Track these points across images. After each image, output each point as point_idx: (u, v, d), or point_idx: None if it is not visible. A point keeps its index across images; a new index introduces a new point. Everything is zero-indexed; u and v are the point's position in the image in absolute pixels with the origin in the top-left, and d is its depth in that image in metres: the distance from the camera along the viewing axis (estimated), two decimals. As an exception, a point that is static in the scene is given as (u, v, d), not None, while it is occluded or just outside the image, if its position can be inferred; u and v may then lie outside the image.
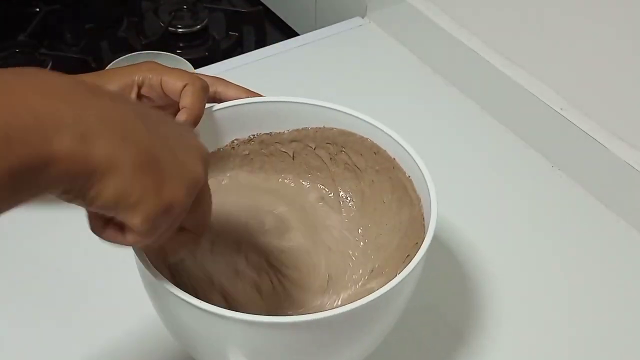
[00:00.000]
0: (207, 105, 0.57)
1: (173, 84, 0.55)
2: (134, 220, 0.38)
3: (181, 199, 0.39)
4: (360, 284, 0.59)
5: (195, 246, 0.47)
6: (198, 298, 0.45)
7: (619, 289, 0.68)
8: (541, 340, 0.64)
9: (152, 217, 0.38)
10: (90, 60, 0.99)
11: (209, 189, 0.45)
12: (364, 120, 0.59)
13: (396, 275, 0.48)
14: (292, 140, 0.62)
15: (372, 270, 0.60)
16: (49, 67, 0.94)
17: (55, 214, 0.67)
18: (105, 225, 0.40)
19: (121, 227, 0.40)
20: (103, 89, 0.40)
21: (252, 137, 0.62)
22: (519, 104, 0.81)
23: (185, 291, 0.46)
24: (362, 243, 0.62)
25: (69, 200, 0.37)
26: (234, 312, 0.45)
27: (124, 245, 0.41)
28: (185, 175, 0.40)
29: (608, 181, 0.75)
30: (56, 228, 0.69)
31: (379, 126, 0.59)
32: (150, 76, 0.56)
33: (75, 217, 0.65)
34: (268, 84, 0.88)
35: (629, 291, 0.68)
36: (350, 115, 0.60)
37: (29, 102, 0.35)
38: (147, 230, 0.39)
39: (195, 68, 0.72)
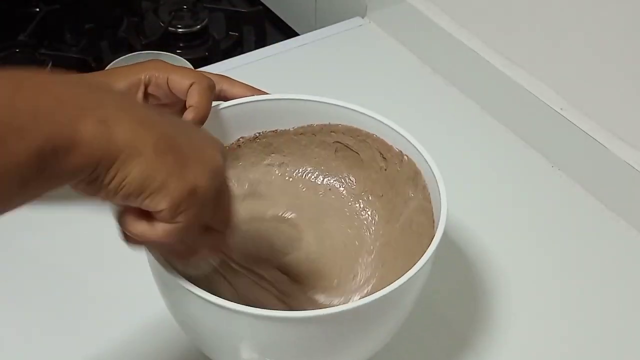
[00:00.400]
0: (213, 103, 0.57)
1: (179, 82, 0.55)
2: (161, 204, 0.38)
3: (205, 183, 0.39)
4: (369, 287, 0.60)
5: (222, 245, 0.47)
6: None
7: (619, 289, 0.68)
8: (540, 340, 0.64)
9: (177, 200, 0.38)
10: (90, 60, 0.99)
11: (229, 185, 0.45)
12: (370, 116, 0.60)
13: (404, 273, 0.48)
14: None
15: (377, 274, 0.60)
16: (49, 67, 0.94)
17: (61, 215, 0.67)
18: (136, 219, 0.40)
19: (149, 220, 0.40)
20: (111, 86, 0.40)
21: (257, 135, 0.62)
22: (519, 104, 0.81)
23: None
24: (372, 240, 0.62)
25: (93, 193, 0.37)
26: (245, 306, 0.45)
27: (151, 242, 0.41)
28: (207, 160, 0.40)
29: (608, 181, 0.75)
30: (62, 228, 0.69)
31: (385, 122, 0.59)
32: (157, 75, 0.56)
33: (81, 219, 0.65)
34: (268, 84, 0.88)
35: (629, 291, 0.68)
36: (356, 111, 0.60)
37: (53, 89, 0.35)
38: (173, 215, 0.39)
39: (195, 68, 0.72)
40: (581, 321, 0.66)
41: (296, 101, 0.61)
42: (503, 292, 0.67)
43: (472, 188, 0.77)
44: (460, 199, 0.75)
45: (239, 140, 0.62)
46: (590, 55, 0.73)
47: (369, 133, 0.60)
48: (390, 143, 0.60)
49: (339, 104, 0.60)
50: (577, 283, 0.69)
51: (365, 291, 0.59)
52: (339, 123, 0.61)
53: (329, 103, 0.60)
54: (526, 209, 0.75)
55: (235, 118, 0.60)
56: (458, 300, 0.67)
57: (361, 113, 0.60)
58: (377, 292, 0.46)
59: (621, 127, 0.73)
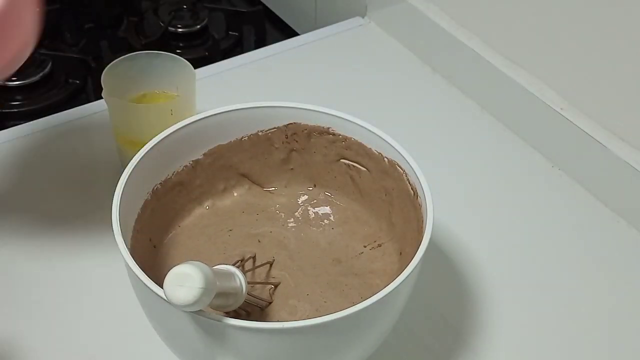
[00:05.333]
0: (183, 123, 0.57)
1: None
2: None
3: None
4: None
5: None
6: None
7: (618, 289, 0.68)
8: (541, 340, 0.64)
9: None
10: (90, 60, 0.99)
11: None
12: (343, 118, 0.59)
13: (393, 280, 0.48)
14: None
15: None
16: (49, 67, 0.94)
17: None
18: None
19: None
20: None
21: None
22: (519, 104, 0.81)
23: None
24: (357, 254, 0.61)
25: None
26: (226, 317, 0.45)
27: None
28: None
29: (608, 181, 0.75)
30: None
31: (360, 123, 0.58)
32: None
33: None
34: (268, 84, 0.88)
35: (629, 291, 0.68)
36: (321, 112, 0.59)
37: None
38: None
39: (195, 68, 0.72)
40: (580, 321, 0.66)
41: (252, 110, 0.60)
42: (502, 291, 0.67)
43: (472, 188, 0.77)
44: (460, 199, 0.75)
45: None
46: (591, 55, 0.73)
47: (345, 136, 0.60)
48: (368, 145, 0.59)
49: (295, 106, 0.60)
50: (577, 283, 0.69)
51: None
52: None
53: (287, 107, 0.60)
54: (526, 209, 0.75)
55: (196, 134, 0.59)
56: (458, 299, 0.67)
57: (330, 115, 0.59)
58: (357, 304, 0.45)
59: (621, 127, 0.73)
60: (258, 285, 0.57)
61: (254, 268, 0.58)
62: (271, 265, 0.59)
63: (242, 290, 0.50)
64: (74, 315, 0.63)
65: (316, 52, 0.94)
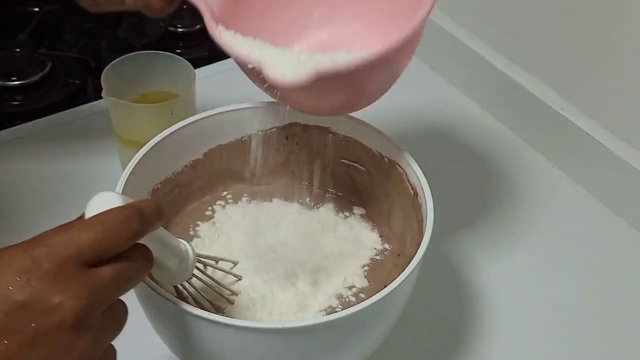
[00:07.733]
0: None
1: None
2: None
3: None
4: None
5: None
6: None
7: (619, 289, 0.68)
8: (541, 340, 0.64)
9: None
10: (90, 60, 0.99)
11: None
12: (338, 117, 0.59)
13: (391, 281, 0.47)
14: None
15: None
16: (48, 66, 0.94)
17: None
18: None
19: None
20: None
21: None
22: (519, 104, 0.81)
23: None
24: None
25: None
26: (225, 317, 0.45)
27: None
28: None
29: (608, 181, 0.75)
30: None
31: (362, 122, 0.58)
32: None
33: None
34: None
35: (629, 291, 0.68)
36: None
37: None
38: None
39: (195, 68, 0.72)
40: (580, 321, 0.66)
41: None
42: (502, 291, 0.67)
43: (472, 188, 0.77)
44: (460, 199, 0.75)
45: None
46: (591, 55, 0.73)
47: (346, 136, 0.59)
48: (368, 145, 0.59)
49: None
50: (577, 283, 0.69)
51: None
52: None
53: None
54: (526, 209, 0.75)
55: (196, 134, 0.59)
56: (458, 299, 0.67)
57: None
58: (356, 305, 0.46)
59: (621, 127, 0.73)
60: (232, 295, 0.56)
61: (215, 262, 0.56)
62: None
63: (188, 256, 0.47)
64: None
65: (316, 52, 0.94)
